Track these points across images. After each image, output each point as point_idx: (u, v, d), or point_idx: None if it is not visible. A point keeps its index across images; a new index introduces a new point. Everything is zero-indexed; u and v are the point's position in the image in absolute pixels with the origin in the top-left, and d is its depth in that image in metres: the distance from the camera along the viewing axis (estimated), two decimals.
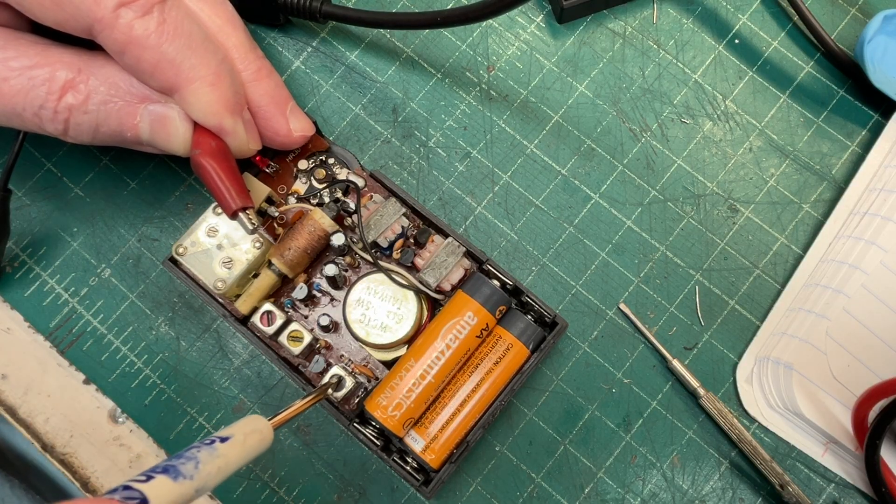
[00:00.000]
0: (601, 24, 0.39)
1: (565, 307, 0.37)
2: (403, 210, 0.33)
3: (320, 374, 0.33)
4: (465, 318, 0.32)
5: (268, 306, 0.32)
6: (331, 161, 0.35)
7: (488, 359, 0.32)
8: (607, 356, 0.36)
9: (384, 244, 0.33)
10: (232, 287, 0.32)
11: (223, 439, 0.24)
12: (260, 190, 0.33)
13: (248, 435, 0.25)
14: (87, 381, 0.36)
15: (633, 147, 0.38)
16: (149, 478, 0.22)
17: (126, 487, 0.21)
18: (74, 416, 0.36)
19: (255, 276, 0.33)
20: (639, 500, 0.35)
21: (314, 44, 0.39)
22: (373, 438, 0.32)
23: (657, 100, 0.38)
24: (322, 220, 0.32)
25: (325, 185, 0.34)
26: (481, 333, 0.32)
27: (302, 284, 0.33)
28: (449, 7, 0.40)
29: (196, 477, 0.23)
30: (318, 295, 0.34)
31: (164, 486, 0.22)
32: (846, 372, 0.35)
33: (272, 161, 0.34)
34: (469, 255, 0.33)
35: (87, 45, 0.30)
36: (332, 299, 0.34)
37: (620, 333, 0.36)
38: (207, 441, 0.24)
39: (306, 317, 0.34)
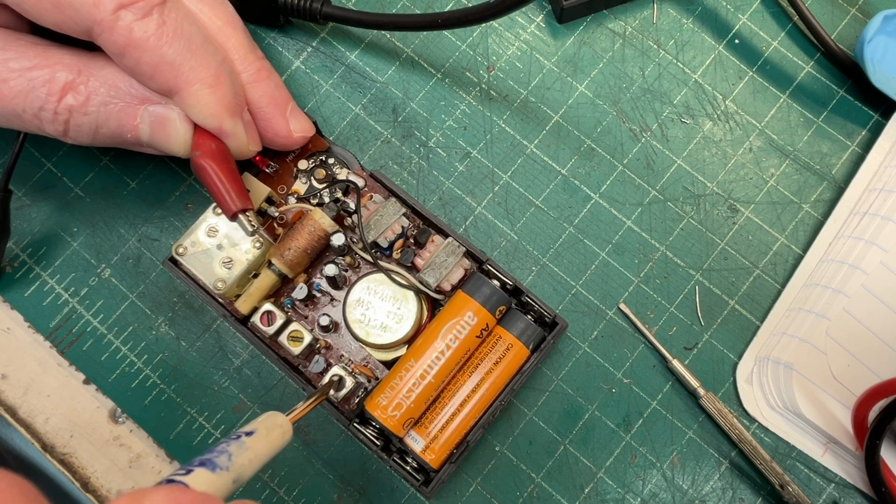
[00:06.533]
0: (601, 24, 0.39)
1: (565, 307, 0.37)
2: (403, 210, 0.33)
3: (320, 374, 0.33)
4: (465, 318, 0.32)
5: (268, 306, 0.32)
6: (331, 161, 0.35)
7: (488, 359, 0.32)
8: (607, 356, 0.36)
9: (384, 244, 0.33)
10: (232, 287, 0.32)
11: (248, 433, 0.26)
12: (260, 190, 0.33)
13: (270, 429, 0.26)
14: (87, 381, 0.36)
15: (633, 147, 0.38)
16: (188, 471, 0.23)
17: (169, 481, 0.22)
18: (74, 416, 0.36)
19: (255, 276, 0.33)
20: (639, 500, 0.35)
21: (314, 44, 0.39)
22: (373, 438, 0.32)
23: (657, 100, 0.38)
24: (322, 220, 0.32)
25: (325, 185, 0.34)
26: (481, 333, 0.32)
27: (302, 284, 0.33)
28: (448, 8, 0.40)
29: (231, 468, 0.24)
30: (318, 295, 0.34)
31: (203, 476, 0.23)
32: (846, 372, 0.35)
33: (272, 161, 0.34)
34: (469, 255, 0.33)
35: (87, 45, 0.30)
36: (332, 299, 0.34)
37: (620, 333, 0.36)
38: (233, 436, 0.25)
39: (306, 317, 0.34)
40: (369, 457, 0.35)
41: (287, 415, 0.27)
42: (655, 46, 0.39)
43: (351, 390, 0.32)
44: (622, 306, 0.36)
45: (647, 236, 0.37)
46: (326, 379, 0.31)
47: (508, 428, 0.35)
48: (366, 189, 0.34)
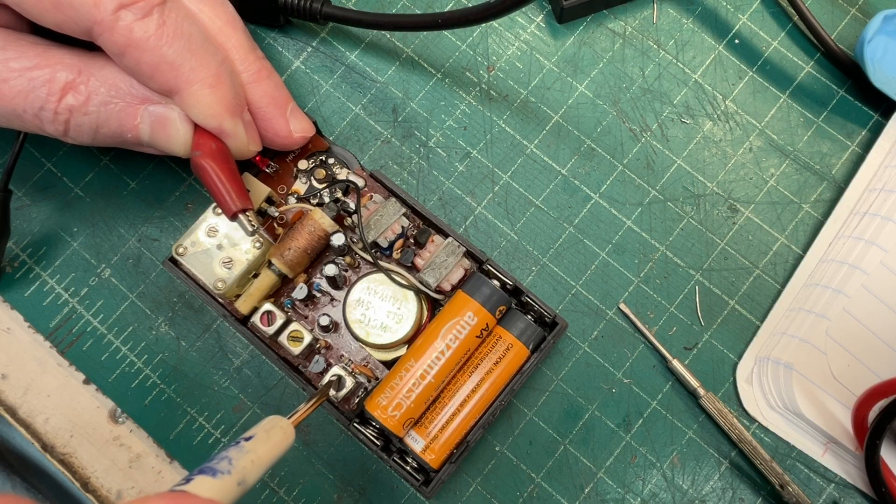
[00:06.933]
0: (601, 24, 0.39)
1: (565, 307, 0.37)
2: (403, 210, 0.33)
3: (320, 374, 0.33)
4: (465, 318, 0.32)
5: (268, 306, 0.32)
6: (331, 161, 0.35)
7: (488, 359, 0.32)
8: (607, 356, 0.36)
9: (384, 244, 0.33)
10: (232, 287, 0.32)
11: (247, 438, 0.25)
12: (260, 190, 0.33)
13: (270, 431, 0.26)
14: (87, 381, 0.36)
15: (633, 147, 0.38)
16: (189, 480, 0.23)
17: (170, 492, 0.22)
18: (74, 416, 0.36)
19: (255, 276, 0.33)
20: (639, 500, 0.35)
21: (314, 44, 0.39)
22: (373, 438, 0.32)
23: (657, 100, 0.38)
24: (322, 220, 0.32)
25: (325, 185, 0.34)
26: (481, 333, 0.32)
27: (302, 284, 0.33)
28: (448, 8, 0.40)
29: (233, 471, 0.24)
30: (318, 295, 0.34)
31: (205, 483, 0.23)
32: (846, 372, 0.35)
33: (272, 161, 0.34)
34: (469, 255, 0.33)
35: (87, 45, 0.30)
36: (332, 299, 0.34)
37: (620, 333, 0.36)
38: (233, 443, 0.25)
39: (306, 317, 0.34)
40: (369, 457, 0.35)
41: (288, 418, 0.27)
42: (655, 46, 0.39)
43: (351, 390, 0.32)
44: (622, 306, 0.36)
45: (647, 236, 0.37)
46: (326, 379, 0.31)
47: (508, 428, 0.35)
48: (366, 189, 0.34)
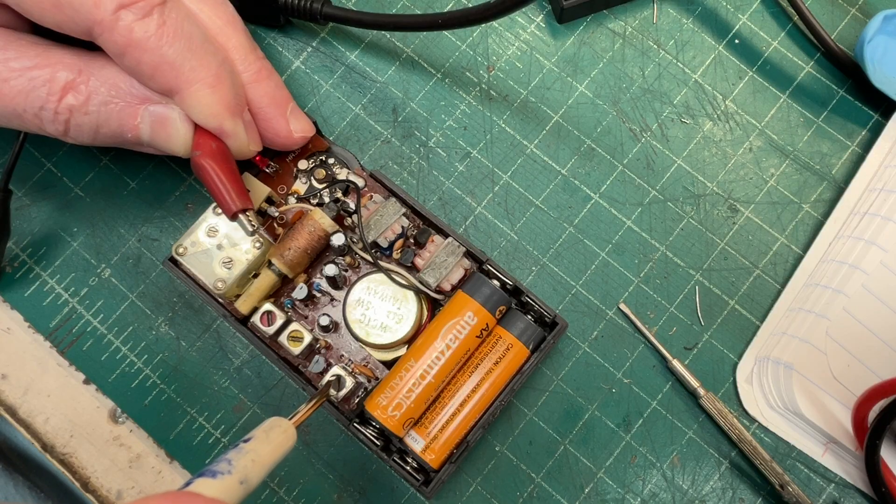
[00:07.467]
0: (601, 24, 0.39)
1: (565, 307, 0.37)
2: (403, 210, 0.33)
3: (320, 374, 0.33)
4: (465, 318, 0.32)
5: (268, 306, 0.32)
6: (331, 161, 0.35)
7: (488, 359, 0.32)
8: (607, 356, 0.36)
9: (384, 244, 0.33)
10: (232, 287, 0.32)
11: (246, 440, 0.25)
12: (260, 190, 0.33)
13: (270, 431, 0.26)
14: (87, 381, 0.36)
15: (633, 147, 0.38)
16: (188, 484, 0.23)
17: None
18: (74, 416, 0.36)
19: (255, 276, 0.33)
20: (639, 500, 0.35)
21: (314, 44, 0.39)
22: (373, 438, 0.32)
23: (657, 100, 0.38)
24: (322, 220, 0.32)
25: (325, 185, 0.34)
26: (481, 333, 0.32)
27: (302, 284, 0.33)
28: (448, 8, 0.40)
29: (234, 471, 0.24)
30: (318, 295, 0.34)
31: (206, 484, 0.23)
32: (846, 372, 0.35)
33: (272, 161, 0.34)
34: (469, 255, 0.33)
35: (87, 45, 0.30)
36: (332, 299, 0.34)
37: (620, 333, 0.36)
38: (231, 446, 0.25)
39: (306, 317, 0.34)
40: (369, 457, 0.35)
41: (289, 419, 0.27)
42: (655, 46, 0.39)
43: (351, 390, 0.32)
44: (622, 306, 0.36)
45: (647, 236, 0.37)
46: (326, 379, 0.31)
47: (508, 428, 0.35)
48: (366, 189, 0.34)
